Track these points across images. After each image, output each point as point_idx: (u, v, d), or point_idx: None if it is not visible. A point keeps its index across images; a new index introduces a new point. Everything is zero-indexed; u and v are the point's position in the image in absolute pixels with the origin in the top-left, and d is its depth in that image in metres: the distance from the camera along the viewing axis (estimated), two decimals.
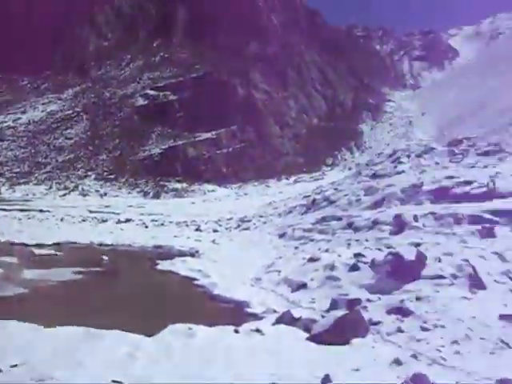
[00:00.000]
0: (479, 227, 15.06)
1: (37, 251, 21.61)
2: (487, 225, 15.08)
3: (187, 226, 36.79)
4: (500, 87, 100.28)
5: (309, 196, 35.81)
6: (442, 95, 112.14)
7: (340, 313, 9.13)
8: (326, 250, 16.58)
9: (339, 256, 14.47)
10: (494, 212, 16.04)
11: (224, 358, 7.56)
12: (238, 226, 33.46)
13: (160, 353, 7.73)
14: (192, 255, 22.89)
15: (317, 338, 8.48)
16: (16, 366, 7.13)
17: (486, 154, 31.79)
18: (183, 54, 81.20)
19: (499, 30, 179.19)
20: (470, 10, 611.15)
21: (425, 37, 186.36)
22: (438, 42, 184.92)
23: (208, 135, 69.09)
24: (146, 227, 36.12)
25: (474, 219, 15.83)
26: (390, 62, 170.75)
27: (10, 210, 43.10)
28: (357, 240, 17.43)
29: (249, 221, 34.98)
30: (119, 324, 9.38)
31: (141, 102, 76.35)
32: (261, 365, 7.34)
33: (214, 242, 27.27)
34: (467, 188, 19.70)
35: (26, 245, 23.61)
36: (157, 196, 61.08)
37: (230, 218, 38.84)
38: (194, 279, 16.81)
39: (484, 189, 19.08)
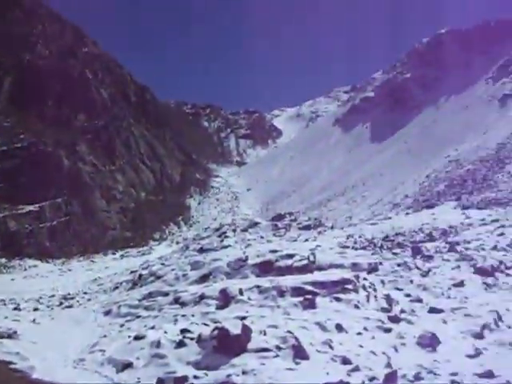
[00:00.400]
0: (301, 299, 15.69)
1: None
2: (309, 296, 15.75)
3: (5, 304, 34.31)
4: (318, 166, 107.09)
5: (136, 271, 35.16)
6: (266, 172, 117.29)
7: None
8: (153, 327, 16.29)
9: (165, 332, 14.30)
10: (315, 284, 16.79)
11: None
12: (61, 303, 31.87)
13: None
14: (9, 337, 21.36)
15: None
16: None
17: (307, 228, 33.59)
18: (7, 122, 77.82)
19: (318, 112, 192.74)
20: (293, 94, 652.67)
21: (250, 116, 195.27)
22: (263, 121, 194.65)
23: (31, 208, 66.13)
24: None
25: (297, 291, 16.42)
26: (218, 138, 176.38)
27: None
28: (183, 315, 17.34)
29: (72, 298, 33.48)
30: None
31: None
32: None
33: (34, 321, 25.63)
34: (290, 261, 20.49)
35: None
36: None
37: (53, 295, 36.93)
38: (11, 363, 15.70)
39: (305, 261, 19.99)
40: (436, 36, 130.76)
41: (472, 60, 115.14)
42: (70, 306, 30.29)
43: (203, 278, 22.20)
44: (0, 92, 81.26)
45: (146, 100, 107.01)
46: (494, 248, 22.50)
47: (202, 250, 29.23)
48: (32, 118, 76.80)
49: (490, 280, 18.03)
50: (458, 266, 19.80)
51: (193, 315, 16.90)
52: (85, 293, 35.61)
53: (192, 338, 12.70)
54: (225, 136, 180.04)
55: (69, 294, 36.23)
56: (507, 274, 18.91)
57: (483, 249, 22.47)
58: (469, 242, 24.00)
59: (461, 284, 17.50)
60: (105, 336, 18.35)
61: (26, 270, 57.82)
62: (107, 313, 23.50)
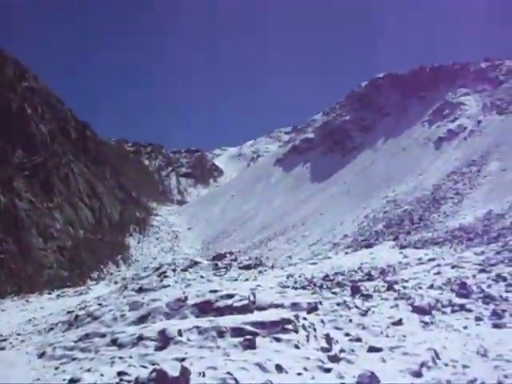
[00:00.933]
0: (241, 339, 15.58)
1: None
2: (249, 336, 15.66)
3: None
4: (259, 205, 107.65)
5: (72, 311, 34.23)
6: (207, 211, 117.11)
7: None
8: (89, 370, 15.85)
9: (102, 375, 13.94)
10: (255, 324, 16.72)
11: None
12: None
13: None
14: None
15: None
16: None
17: (248, 267, 33.51)
18: None
19: (259, 152, 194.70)
20: (234, 134, 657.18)
21: (191, 155, 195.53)
22: (204, 160, 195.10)
23: None
24: None
25: (237, 332, 16.31)
26: (158, 177, 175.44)
27: None
28: (121, 357, 16.92)
29: (5, 339, 32.23)
30: None
31: None
32: None
33: None
34: (230, 301, 20.34)
35: None
36: None
37: None
38: None
39: (245, 301, 19.89)
40: (374, 80, 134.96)
41: (408, 104, 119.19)
42: (2, 348, 29.15)
43: (142, 319, 21.78)
44: None
45: (86, 137, 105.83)
46: (431, 287, 22.98)
47: (140, 290, 28.72)
48: None
49: (427, 318, 18.38)
50: (396, 305, 20.10)
51: (130, 357, 16.52)
52: (18, 334, 34.37)
53: (129, 381, 12.43)
54: (166, 174, 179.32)
55: (1, 336, 34.94)
56: (443, 312, 19.33)
57: (420, 287, 22.91)
58: (406, 281, 24.44)
59: (399, 322, 17.74)
60: (38, 379, 17.72)
61: None
62: (41, 355, 22.72)
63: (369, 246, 46.71)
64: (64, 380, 15.42)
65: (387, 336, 16.59)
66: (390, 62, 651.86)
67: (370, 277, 27.04)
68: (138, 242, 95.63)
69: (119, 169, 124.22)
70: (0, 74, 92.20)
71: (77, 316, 28.34)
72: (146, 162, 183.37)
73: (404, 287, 23.08)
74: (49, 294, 63.32)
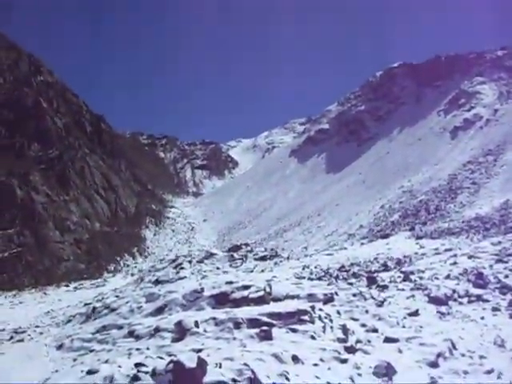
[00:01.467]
0: (257, 330, 15.59)
1: None
2: (265, 328, 15.66)
3: None
4: (274, 196, 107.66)
5: (89, 304, 34.49)
6: (223, 203, 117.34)
7: None
8: (106, 361, 15.95)
9: (119, 367, 14.00)
10: (271, 315, 16.73)
11: None
12: (11, 337, 30.92)
13: None
14: None
15: None
16: None
17: (263, 258, 33.58)
18: None
19: (274, 143, 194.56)
20: (249, 125, 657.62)
21: (206, 147, 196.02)
22: (219, 152, 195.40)
23: None
24: None
25: (253, 323, 16.33)
26: (174, 169, 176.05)
27: None
28: (138, 349, 17.03)
29: (23, 332, 32.54)
30: None
31: None
32: None
33: None
34: (246, 292, 20.36)
35: None
36: None
37: (3, 329, 35.80)
38: None
39: (261, 293, 19.90)
40: (389, 69, 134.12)
41: (424, 93, 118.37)
42: (21, 340, 29.43)
43: (158, 311, 21.90)
44: None
45: (101, 129, 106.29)
46: (448, 277, 22.84)
47: (157, 282, 28.85)
48: None
49: (443, 309, 18.28)
50: (413, 296, 20.02)
51: (147, 348, 16.62)
52: (37, 326, 34.70)
53: (146, 372, 12.46)
54: (181, 167, 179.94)
55: (20, 328, 35.25)
56: (460, 303, 19.21)
57: (437, 278, 22.79)
58: (423, 272, 24.32)
59: (415, 313, 17.67)
60: (57, 371, 17.88)
61: None
62: (59, 347, 22.94)
63: (385, 236, 46.55)
64: (82, 371, 15.53)
65: (403, 327, 16.54)
66: (405, 51, 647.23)
67: (386, 267, 26.97)
68: (154, 234, 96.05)
69: (134, 161, 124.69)
70: (15, 69, 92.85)
71: (94, 308, 28.55)
72: (161, 155, 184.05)
73: (420, 278, 22.98)
74: (66, 286, 63.80)
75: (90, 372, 14.48)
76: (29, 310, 49.87)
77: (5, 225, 67.37)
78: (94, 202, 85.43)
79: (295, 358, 13.26)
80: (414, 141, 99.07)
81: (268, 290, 20.14)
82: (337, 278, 24.68)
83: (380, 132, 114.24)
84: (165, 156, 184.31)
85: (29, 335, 31.15)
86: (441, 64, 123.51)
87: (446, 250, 31.04)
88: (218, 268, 30.65)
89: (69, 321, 31.65)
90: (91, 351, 19.86)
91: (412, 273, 24.07)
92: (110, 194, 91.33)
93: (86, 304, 37.40)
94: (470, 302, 19.40)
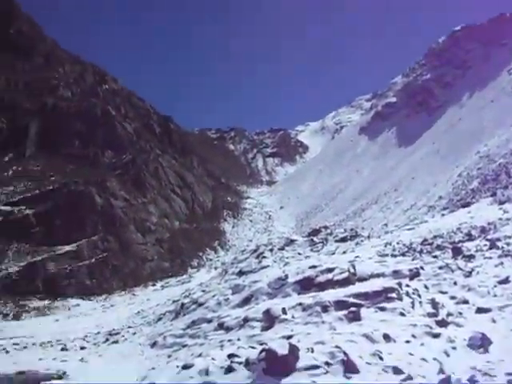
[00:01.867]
0: (346, 312, 15.51)
1: None
2: (353, 308, 15.57)
3: (52, 346, 34.62)
4: (348, 176, 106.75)
5: (177, 300, 35.30)
6: (297, 188, 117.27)
7: None
8: (200, 355, 16.26)
9: (213, 359, 14.22)
10: (358, 295, 16.60)
11: None
12: (107, 339, 32.10)
13: None
14: (59, 378, 21.56)
15: None
16: None
17: (344, 239, 33.34)
18: (37, 166, 79.25)
19: (342, 123, 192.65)
20: (315, 108, 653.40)
21: (275, 134, 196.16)
22: (288, 138, 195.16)
23: (68, 248, 66.93)
24: (7, 352, 33.48)
25: (340, 305, 16.24)
26: (245, 160, 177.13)
27: None
28: (229, 340, 17.27)
29: (117, 333, 33.70)
30: None
31: None
32: None
33: (82, 360, 25.85)
34: (330, 275, 20.28)
35: None
36: (17, 317, 57.43)
37: (98, 333, 37.19)
38: None
39: (345, 274, 19.77)
40: (451, 34, 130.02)
41: (490, 53, 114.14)
42: (116, 342, 30.47)
43: (245, 301, 22.13)
44: (27, 138, 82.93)
45: (170, 130, 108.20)
46: None
47: (241, 273, 29.16)
48: (60, 160, 78.20)
49: None
50: (501, 263, 19.40)
51: (238, 339, 16.82)
52: (129, 327, 35.84)
53: (240, 363, 12.60)
54: (252, 157, 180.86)
55: (113, 330, 36.49)
56: None
57: None
58: (510, 238, 23.54)
59: (506, 281, 17.11)
60: (153, 368, 18.37)
61: (69, 309, 58.40)
62: (153, 345, 23.58)
63: (466, 205, 45.26)
64: (177, 367, 15.86)
65: (495, 295, 16.06)
66: (466, 14, 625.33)
67: (470, 236, 26.23)
68: (233, 227, 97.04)
69: (205, 157, 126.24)
70: (81, 81, 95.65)
71: (182, 304, 29.17)
72: (231, 147, 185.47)
73: (508, 244, 22.23)
74: (153, 285, 65.52)
75: (185, 367, 14.77)
76: (120, 312, 51.57)
77: (88, 232, 69.79)
78: (171, 202, 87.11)
79: (386, 337, 13.11)
80: (485, 104, 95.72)
81: (352, 270, 20.00)
82: (421, 252, 24.20)
83: (449, 99, 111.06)
84: (234, 148, 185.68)
85: (123, 336, 32.22)
86: (506, 21, 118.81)
87: None
88: (299, 254, 30.69)
89: (159, 319, 32.53)
90: (184, 346, 20.32)
91: (498, 239, 23.32)
92: (185, 192, 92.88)
93: (174, 301, 38.33)
94: None
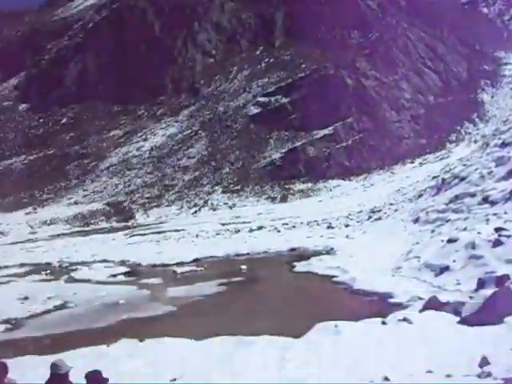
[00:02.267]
0: None
1: (178, 269, 22.41)
2: None
3: (318, 224, 36.61)
4: None
5: (437, 176, 34.68)
6: None
7: (489, 292, 8.75)
8: (464, 229, 15.94)
9: (479, 233, 13.85)
10: None
11: (375, 352, 7.46)
12: (370, 217, 32.98)
13: (310, 353, 7.76)
14: (327, 253, 22.87)
15: (469, 321, 8.17)
16: (175, 379, 7.45)
17: None
18: (287, 56, 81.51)
19: None
20: None
21: None
22: None
23: (325, 131, 68.68)
24: (279, 232, 36.01)
25: None
26: (501, 23, 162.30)
27: (147, 234, 44.50)
28: (495, 214, 16.61)
29: (379, 210, 34.40)
30: (267, 329, 9.54)
31: (254, 110, 77.19)
32: (414, 354, 7.17)
33: (347, 237, 27.04)
34: None
35: (167, 265, 24.44)
36: (284, 200, 61.35)
37: (360, 211, 38.29)
38: (333, 276, 16.80)
39: None
40: None
41: None
42: (379, 219, 31.17)
43: (510, 174, 20.86)
44: (275, 28, 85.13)
45: (415, 0, 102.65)
46: None
47: (504, 145, 27.37)
48: (308, 46, 79.22)
49: None
50: None
51: (505, 213, 16.09)
52: (391, 204, 36.28)
53: (509, 236, 12.11)
54: (509, 18, 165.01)
55: (375, 207, 37.26)
56: None
57: None
58: None
59: None
60: (417, 243, 18.53)
61: (330, 190, 60.86)
62: (416, 220, 23.67)
63: None
64: (442, 241, 15.80)
65: None
66: None
67: None
68: (492, 96, 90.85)
69: (456, 24, 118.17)
70: None
71: (443, 179, 28.58)
72: (484, 10, 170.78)
73: None
74: (411, 163, 64.97)
75: (450, 241, 14.66)
76: (380, 191, 52.33)
77: (343, 115, 70.71)
78: (423, 76, 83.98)
79: None
80: None
81: None
82: None
83: None
84: (488, 11, 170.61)
85: (385, 213, 32.79)
86: None
87: None
88: None
89: (420, 195, 32.35)
90: (447, 221, 20.04)
91: None
92: (437, 64, 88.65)
93: (434, 177, 37.69)
94: None
